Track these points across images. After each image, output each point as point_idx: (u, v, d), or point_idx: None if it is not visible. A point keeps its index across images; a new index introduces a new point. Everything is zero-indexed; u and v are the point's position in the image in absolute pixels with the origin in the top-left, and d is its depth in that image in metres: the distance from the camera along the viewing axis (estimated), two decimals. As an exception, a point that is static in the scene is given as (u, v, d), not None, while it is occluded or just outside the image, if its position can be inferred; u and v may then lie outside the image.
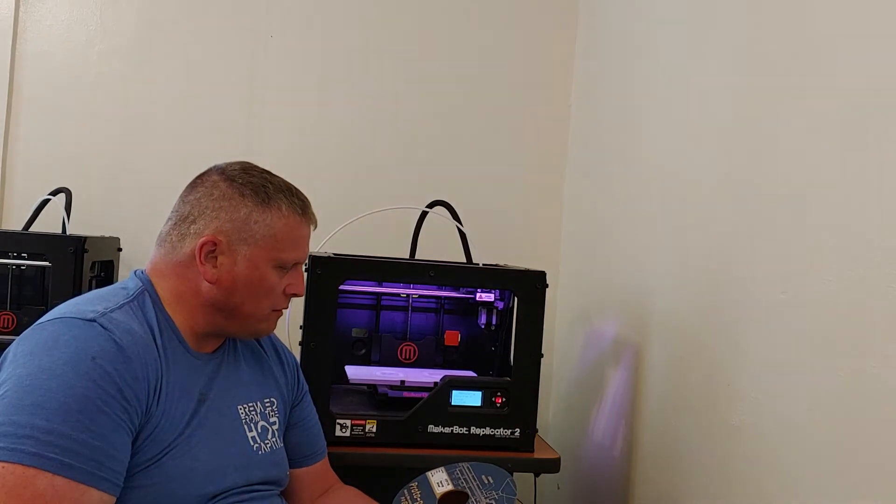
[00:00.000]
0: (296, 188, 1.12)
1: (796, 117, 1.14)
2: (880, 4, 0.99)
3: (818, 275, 1.06)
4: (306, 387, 1.28)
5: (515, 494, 1.19)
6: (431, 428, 1.44)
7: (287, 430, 1.21)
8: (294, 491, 1.22)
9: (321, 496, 1.25)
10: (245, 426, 1.09)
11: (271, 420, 1.15)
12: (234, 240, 1.04)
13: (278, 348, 1.25)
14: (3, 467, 0.83)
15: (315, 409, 1.28)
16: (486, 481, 1.20)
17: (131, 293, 1.02)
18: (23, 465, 0.83)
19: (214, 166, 1.11)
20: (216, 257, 1.03)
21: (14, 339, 0.95)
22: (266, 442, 1.11)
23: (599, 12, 2.02)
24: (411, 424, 1.43)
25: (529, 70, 2.13)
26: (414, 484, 1.21)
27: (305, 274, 1.43)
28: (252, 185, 1.06)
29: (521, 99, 2.12)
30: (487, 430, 1.46)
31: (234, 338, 1.14)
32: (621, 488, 1.63)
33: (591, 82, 2.04)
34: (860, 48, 1.02)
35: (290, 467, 1.20)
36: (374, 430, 1.42)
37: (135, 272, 1.07)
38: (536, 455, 1.47)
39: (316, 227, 1.15)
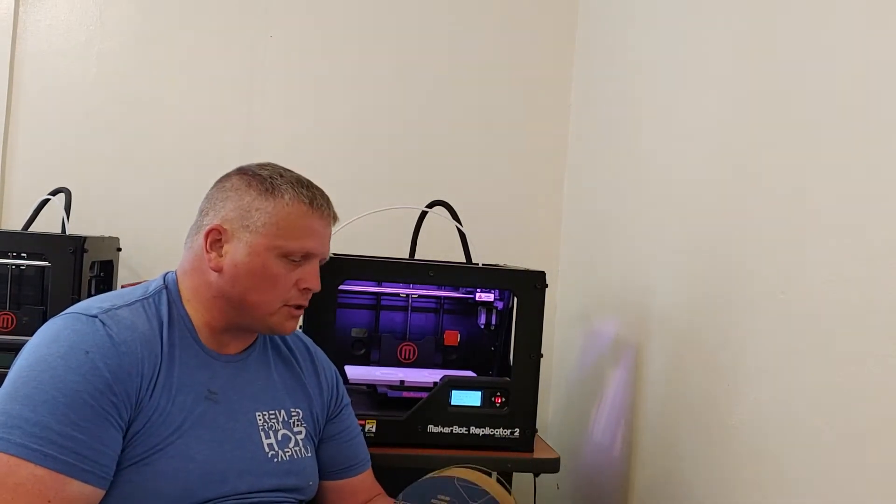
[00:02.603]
0: (313, 183, 1.09)
1: (796, 117, 1.14)
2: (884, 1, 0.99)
3: (818, 275, 1.05)
4: (346, 400, 1.25)
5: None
6: (431, 428, 1.44)
7: (324, 442, 1.20)
8: (333, 502, 1.21)
9: None
10: (262, 433, 1.07)
11: (296, 430, 1.13)
12: (237, 227, 1.03)
13: (316, 361, 1.22)
14: None
15: (357, 422, 1.27)
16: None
17: (149, 292, 1.05)
18: (7, 454, 0.86)
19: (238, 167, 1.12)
20: (222, 246, 1.04)
21: (14, 339, 0.97)
22: (286, 450, 1.09)
23: (599, 12, 2.02)
24: (411, 424, 1.43)
25: (529, 70, 2.13)
26: None
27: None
28: (260, 176, 1.06)
29: (521, 99, 2.12)
30: (487, 430, 1.45)
31: (255, 332, 1.11)
32: (621, 488, 1.63)
33: (591, 82, 2.04)
34: (861, 47, 1.02)
35: (328, 478, 1.19)
36: (374, 430, 1.42)
37: (165, 273, 1.10)
38: (536, 455, 1.47)
39: (336, 220, 1.12)
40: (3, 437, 0.87)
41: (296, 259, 1.05)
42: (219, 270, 1.03)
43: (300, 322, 1.43)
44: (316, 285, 1.07)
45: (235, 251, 1.03)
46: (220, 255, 1.04)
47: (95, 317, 0.96)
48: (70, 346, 0.93)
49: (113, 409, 0.92)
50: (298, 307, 1.08)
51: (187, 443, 0.98)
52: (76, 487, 0.89)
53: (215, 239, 1.04)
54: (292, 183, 1.06)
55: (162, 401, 0.97)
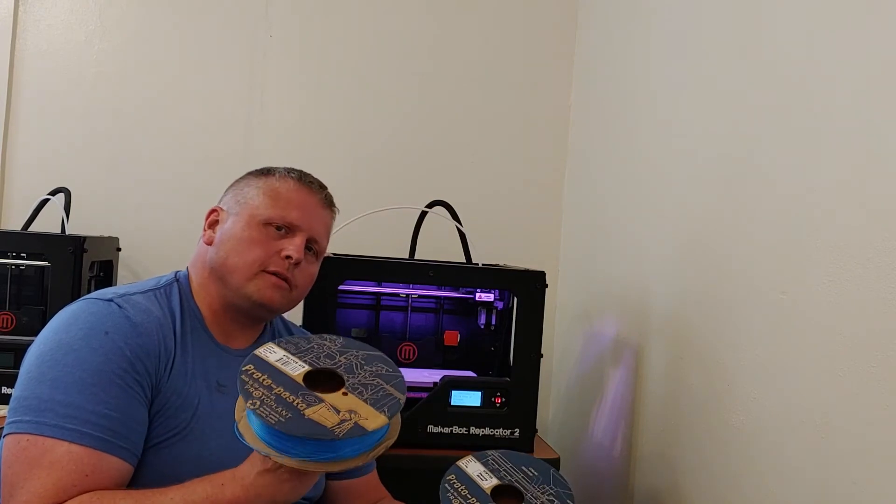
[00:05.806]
0: (309, 173, 1.15)
1: (796, 118, 1.14)
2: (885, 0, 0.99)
3: (818, 275, 1.05)
4: None
5: (571, 489, 1.05)
6: (431, 428, 1.44)
7: None
8: (340, 503, 1.22)
9: None
10: None
11: None
12: (231, 205, 1.11)
13: None
14: (27, 439, 0.88)
15: None
16: (531, 474, 1.08)
17: (161, 283, 1.09)
18: (44, 436, 0.88)
19: None
20: (217, 224, 1.11)
21: (14, 339, 0.96)
22: None
23: (599, 13, 2.02)
24: (411, 424, 1.43)
25: (529, 70, 2.13)
26: (451, 477, 1.07)
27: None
28: (262, 167, 1.14)
29: (521, 99, 2.12)
30: (487, 431, 1.45)
31: (236, 307, 1.09)
32: (621, 488, 1.63)
33: (591, 82, 2.04)
34: (862, 46, 1.02)
35: (334, 479, 1.20)
36: (374, 430, 1.41)
37: (176, 271, 1.13)
38: (536, 455, 1.46)
39: (329, 203, 1.15)
40: (36, 420, 0.89)
41: (279, 228, 1.08)
42: (210, 244, 1.09)
43: (300, 322, 1.43)
44: (294, 252, 1.06)
45: (225, 224, 1.09)
46: (214, 232, 1.10)
47: (111, 300, 0.99)
48: (89, 328, 0.95)
49: (138, 386, 0.94)
50: (278, 276, 1.06)
51: (203, 430, 0.99)
52: (113, 462, 0.90)
53: (213, 220, 1.12)
54: (287, 168, 1.14)
55: (179, 383, 0.99)
